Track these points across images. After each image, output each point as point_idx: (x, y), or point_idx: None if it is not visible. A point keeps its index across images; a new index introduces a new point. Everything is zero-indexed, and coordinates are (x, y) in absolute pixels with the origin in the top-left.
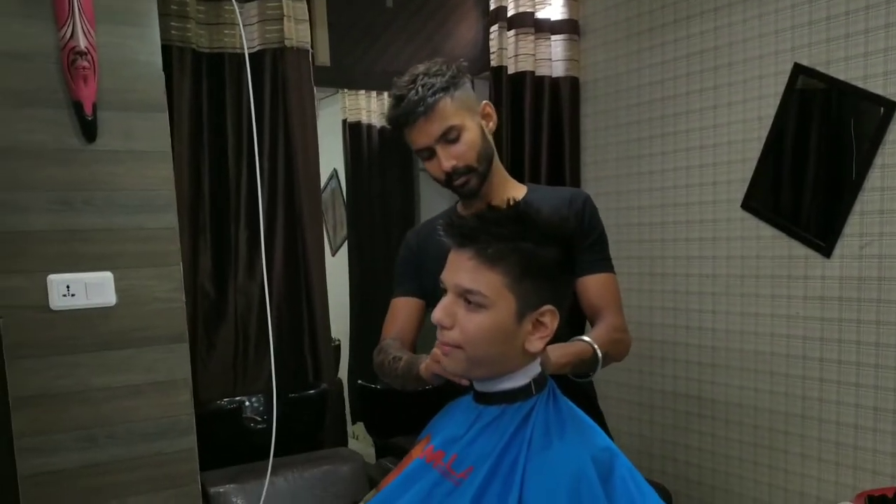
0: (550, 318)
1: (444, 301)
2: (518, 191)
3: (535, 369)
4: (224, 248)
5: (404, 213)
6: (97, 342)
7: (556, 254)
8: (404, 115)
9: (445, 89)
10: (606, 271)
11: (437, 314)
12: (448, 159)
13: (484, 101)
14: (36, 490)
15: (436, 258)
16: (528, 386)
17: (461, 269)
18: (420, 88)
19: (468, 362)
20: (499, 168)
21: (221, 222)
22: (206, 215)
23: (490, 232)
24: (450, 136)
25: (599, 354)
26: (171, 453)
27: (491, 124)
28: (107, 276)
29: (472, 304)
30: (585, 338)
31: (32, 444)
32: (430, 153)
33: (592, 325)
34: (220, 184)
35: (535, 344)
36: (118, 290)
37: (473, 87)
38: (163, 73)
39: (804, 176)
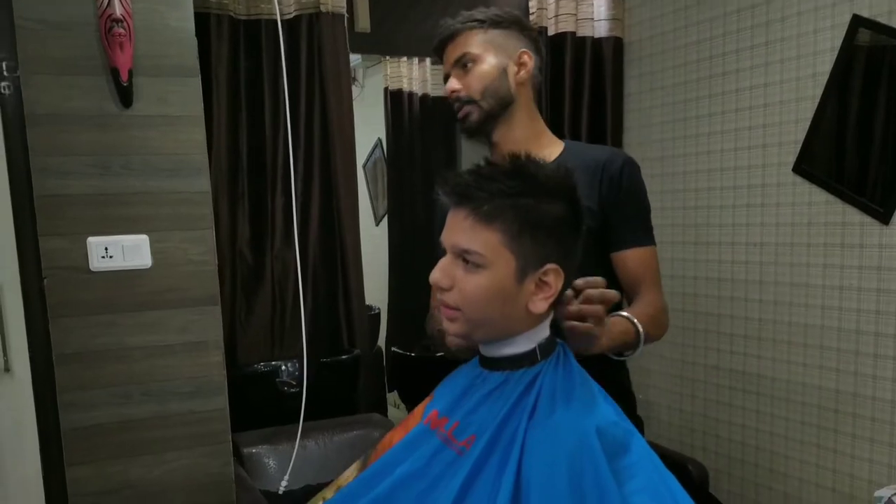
0: (554, 278)
1: (443, 261)
2: (552, 147)
3: (541, 333)
4: (261, 214)
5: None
6: (133, 302)
7: (558, 209)
8: (436, 38)
9: (481, 22)
10: (646, 244)
11: (435, 275)
12: (453, 84)
13: (522, 49)
14: (77, 443)
15: None
16: (532, 351)
17: (458, 229)
18: (458, 17)
19: (468, 324)
20: (528, 120)
21: (259, 189)
22: (245, 182)
23: (484, 188)
24: (464, 61)
25: (642, 334)
26: (203, 412)
27: (522, 72)
28: (143, 239)
29: (471, 265)
30: (625, 313)
31: (73, 399)
32: (446, 80)
33: (630, 302)
34: (257, 151)
35: (538, 305)
36: (153, 253)
37: (536, 49)
38: (195, 38)
39: (862, 137)
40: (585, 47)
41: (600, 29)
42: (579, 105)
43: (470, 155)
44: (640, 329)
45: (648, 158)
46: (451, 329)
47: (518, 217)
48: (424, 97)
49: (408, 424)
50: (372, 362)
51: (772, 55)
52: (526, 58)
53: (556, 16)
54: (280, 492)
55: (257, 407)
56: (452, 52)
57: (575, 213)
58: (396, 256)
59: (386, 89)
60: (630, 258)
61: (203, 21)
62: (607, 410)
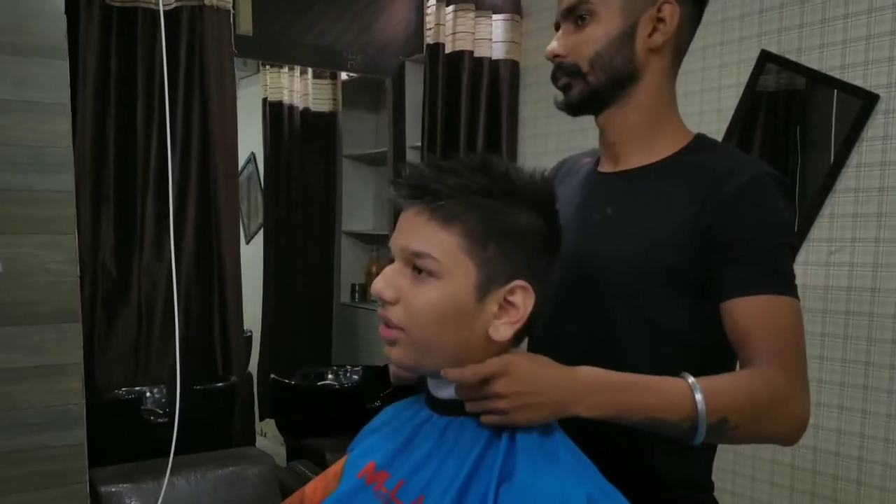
0: (522, 298)
1: (388, 269)
2: (672, 141)
3: None
4: (129, 220)
5: (325, 201)
6: None
7: (530, 220)
8: None
9: None
10: (769, 292)
11: (378, 284)
12: (556, 43)
13: (666, 2)
14: None
15: (561, 200)
16: None
17: (408, 228)
18: None
19: (413, 349)
20: (654, 101)
21: (127, 191)
22: (111, 182)
23: (444, 181)
24: (578, 12)
25: (701, 408)
26: (57, 447)
27: (657, 34)
28: None
29: (422, 273)
30: (688, 377)
31: None
32: (556, 27)
33: None
34: (127, 148)
35: (501, 330)
36: (3, 259)
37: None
38: (64, 15)
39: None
40: (483, 68)
41: (497, 51)
42: (475, 126)
43: (353, 176)
44: (700, 400)
45: None
46: (393, 355)
47: (483, 220)
48: (306, 111)
49: (328, 476)
50: (244, 391)
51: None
52: (668, 10)
53: (454, 33)
54: None
55: (118, 439)
56: None
57: (551, 228)
58: (272, 276)
59: (265, 100)
60: (740, 310)
61: (73, 2)
62: (599, 478)
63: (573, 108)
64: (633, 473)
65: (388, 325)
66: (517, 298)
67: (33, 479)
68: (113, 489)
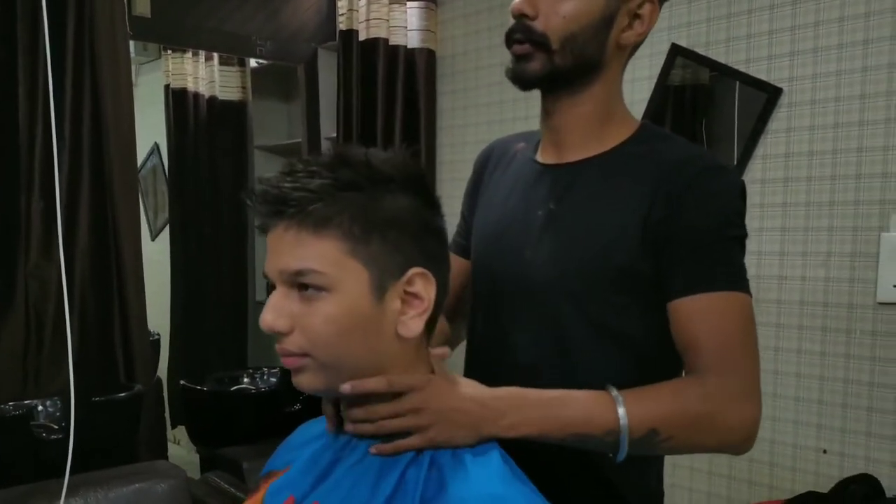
0: (423, 285)
1: (272, 299)
2: (623, 130)
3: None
4: (11, 219)
5: (236, 194)
6: None
7: (406, 202)
8: None
9: None
10: (715, 290)
11: (266, 318)
12: (522, 5)
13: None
14: None
15: (493, 191)
16: None
17: (282, 249)
18: None
19: (324, 373)
20: (606, 95)
21: (9, 188)
22: None
23: (305, 187)
24: None
25: (623, 422)
26: None
27: (630, 32)
28: None
29: (310, 291)
30: (612, 389)
31: None
32: None
33: None
34: (8, 141)
35: (410, 325)
36: None
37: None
38: None
39: None
40: (398, 56)
41: (413, 39)
42: (392, 117)
43: (265, 168)
44: (621, 409)
45: (460, 178)
46: (303, 383)
47: (359, 215)
48: (212, 99)
49: None
50: (153, 398)
51: None
52: (648, 8)
53: (368, 20)
54: None
55: (5, 460)
56: None
57: (429, 205)
58: (180, 275)
59: (167, 87)
60: (678, 314)
61: None
62: (522, 488)
63: (527, 82)
64: (585, 486)
65: (290, 355)
66: (418, 287)
67: None
68: None
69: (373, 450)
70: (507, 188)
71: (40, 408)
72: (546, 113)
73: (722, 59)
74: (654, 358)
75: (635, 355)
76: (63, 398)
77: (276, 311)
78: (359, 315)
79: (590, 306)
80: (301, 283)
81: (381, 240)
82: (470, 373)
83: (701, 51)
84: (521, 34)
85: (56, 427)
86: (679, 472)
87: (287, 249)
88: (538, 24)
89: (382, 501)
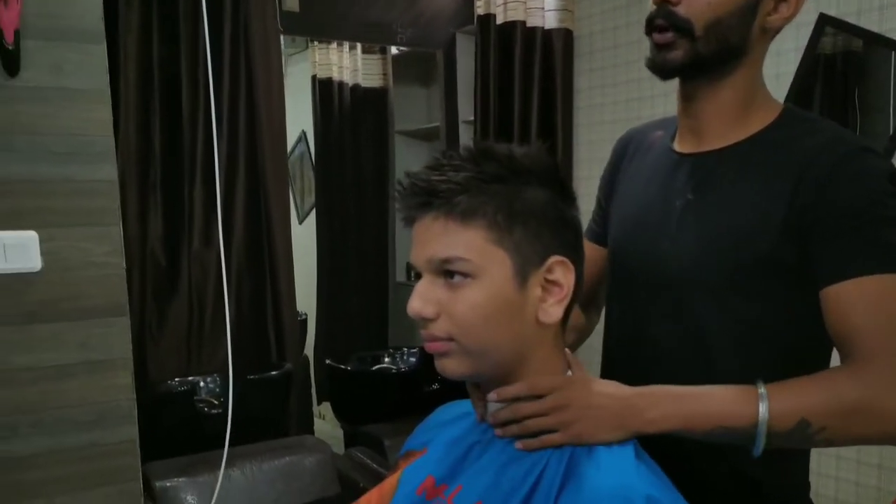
0: (563, 272)
1: (419, 286)
2: (764, 115)
3: (563, 366)
4: (177, 209)
5: (378, 178)
6: (19, 314)
7: (544, 195)
8: None
9: None
10: (871, 272)
11: (414, 304)
12: None
13: None
14: None
15: (631, 179)
16: None
17: (430, 238)
18: None
19: (468, 358)
20: (749, 81)
21: (174, 179)
22: (157, 170)
23: (452, 180)
24: None
25: (763, 414)
26: (107, 445)
27: (776, 16)
28: (30, 236)
29: (457, 278)
30: (760, 383)
31: None
32: None
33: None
34: (172, 135)
35: (550, 312)
36: (44, 253)
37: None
38: None
39: None
40: (535, 38)
41: (550, 20)
42: (529, 99)
43: (405, 151)
44: (763, 402)
45: (598, 159)
46: (448, 368)
47: (503, 206)
48: (356, 87)
49: (383, 489)
50: (300, 375)
51: None
52: None
53: (505, 3)
54: None
55: (172, 432)
56: None
57: (565, 197)
58: (326, 258)
59: (314, 77)
60: (833, 299)
61: None
62: (664, 482)
63: (669, 72)
64: (725, 479)
65: (436, 339)
66: (557, 275)
67: (84, 478)
68: (168, 484)
69: (519, 445)
70: (644, 177)
71: (202, 384)
72: (685, 100)
73: (875, 28)
74: (798, 349)
75: (777, 347)
76: (222, 375)
77: (423, 298)
78: (503, 301)
79: (729, 299)
80: (447, 271)
81: (523, 229)
82: (608, 363)
83: (852, 20)
84: (664, 19)
85: (216, 402)
86: (825, 461)
87: (435, 239)
88: (681, 10)
89: (526, 491)
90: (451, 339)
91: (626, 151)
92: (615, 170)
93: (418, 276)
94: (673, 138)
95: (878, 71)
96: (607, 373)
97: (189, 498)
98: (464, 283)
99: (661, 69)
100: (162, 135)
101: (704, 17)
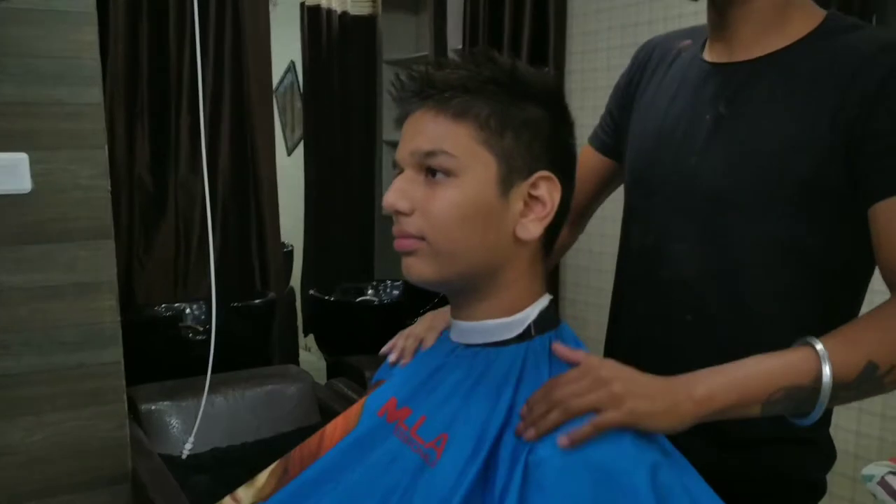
0: (548, 189)
1: (398, 180)
2: (804, 22)
3: (539, 295)
4: (164, 135)
5: (366, 109)
6: (9, 234)
7: (543, 112)
8: None
9: None
10: None
11: (390, 196)
12: None
13: None
14: None
15: (655, 91)
16: (525, 332)
17: (416, 131)
18: None
19: (436, 259)
20: None
21: (161, 105)
22: (145, 95)
23: (451, 77)
24: None
25: (827, 373)
26: (93, 366)
27: None
28: (20, 158)
29: (438, 175)
30: (814, 341)
31: None
32: None
33: None
34: (160, 61)
35: (529, 228)
36: (34, 175)
37: None
38: None
39: None
40: None
41: None
42: (520, 25)
43: (393, 79)
44: (826, 363)
45: (592, 88)
46: (413, 268)
47: (497, 110)
48: (344, 15)
49: (349, 415)
50: (286, 306)
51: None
52: None
53: None
54: (183, 456)
55: (157, 356)
56: None
57: (565, 122)
58: (313, 190)
59: (302, 5)
60: (884, 215)
61: None
62: (661, 441)
63: None
64: (744, 433)
65: (406, 235)
66: (542, 191)
67: (71, 398)
68: (153, 407)
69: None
70: (670, 89)
71: (187, 310)
72: (714, 5)
73: None
74: (835, 275)
75: (814, 270)
76: (207, 302)
77: (399, 192)
78: (482, 205)
79: (763, 220)
80: (429, 168)
81: (514, 137)
82: (622, 286)
83: None
84: None
85: (201, 329)
86: (845, 413)
87: (422, 132)
88: None
89: (498, 424)
90: (422, 237)
91: (649, 60)
92: (634, 80)
93: (399, 173)
94: (703, 48)
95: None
96: (621, 299)
97: (173, 421)
98: (444, 182)
99: None
100: (149, 60)
101: None
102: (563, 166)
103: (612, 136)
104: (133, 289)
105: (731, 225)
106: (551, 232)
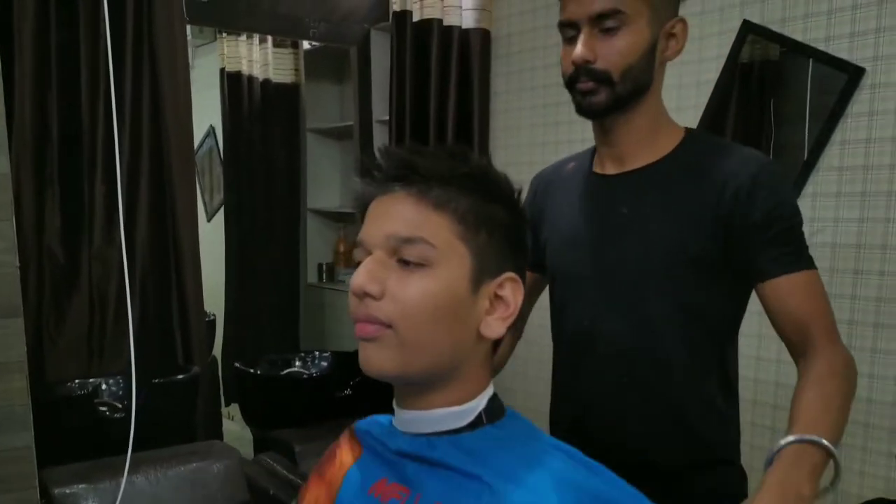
0: (512, 291)
1: (368, 261)
2: (670, 137)
3: (488, 391)
4: (76, 203)
5: (289, 176)
6: None
7: (510, 216)
8: None
9: None
10: (804, 268)
11: (359, 278)
12: (586, 49)
13: (678, 17)
14: None
15: (560, 207)
16: (478, 418)
17: (394, 215)
18: None
19: (400, 350)
20: (655, 106)
21: (73, 173)
22: (55, 163)
23: (434, 165)
24: (607, 24)
25: (837, 458)
26: (2, 451)
27: (670, 51)
28: None
29: (412, 265)
30: (815, 438)
31: None
32: (573, 32)
33: (794, 353)
34: (71, 127)
35: (494, 327)
36: None
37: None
38: None
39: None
40: (452, 37)
41: (468, 19)
42: (445, 100)
43: (318, 151)
44: (835, 450)
45: (515, 163)
46: (374, 359)
47: (475, 207)
48: (266, 82)
49: (324, 480)
50: (208, 378)
51: None
52: (680, 29)
53: (422, 0)
54: None
55: (72, 436)
56: (590, 1)
57: (524, 225)
58: (235, 257)
59: (222, 70)
60: (783, 289)
61: None
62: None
63: (597, 113)
64: (667, 436)
65: (371, 321)
66: (507, 292)
67: None
68: (67, 491)
69: None
70: (573, 200)
71: (104, 386)
72: (604, 132)
73: (799, 37)
74: (723, 323)
75: (710, 327)
76: (125, 378)
77: (370, 274)
78: (454, 298)
79: (672, 291)
80: (403, 259)
81: (488, 236)
82: (564, 357)
83: (776, 28)
84: (586, 76)
85: (119, 406)
86: (757, 455)
87: (401, 216)
88: (599, 65)
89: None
90: (389, 325)
91: (541, 189)
92: (537, 204)
93: (366, 254)
94: (591, 165)
95: (796, 80)
96: (563, 364)
97: None
98: (419, 271)
99: (589, 112)
100: (60, 125)
101: (619, 66)
102: (522, 269)
103: (534, 254)
104: (43, 366)
105: (648, 300)
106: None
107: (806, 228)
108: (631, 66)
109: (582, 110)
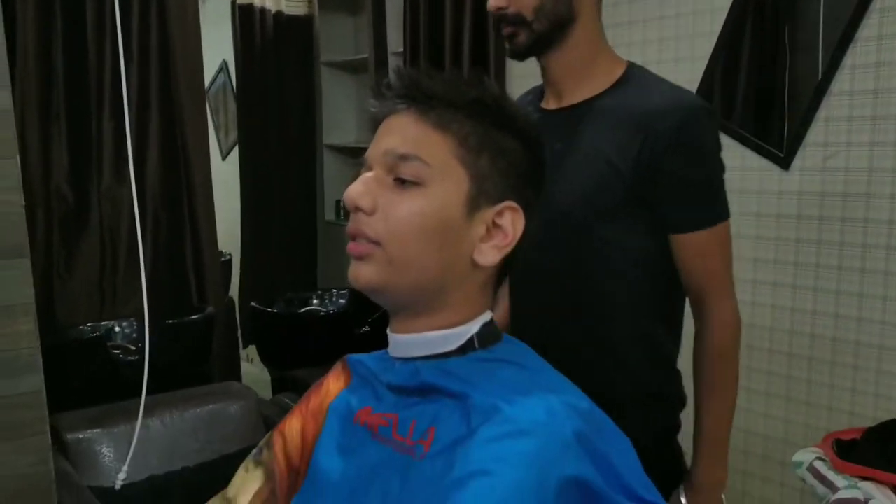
0: (512, 220)
1: (365, 176)
2: (610, 73)
3: (482, 313)
4: (84, 141)
5: (304, 111)
6: None
7: (521, 147)
8: None
9: None
10: (708, 225)
11: (353, 191)
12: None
13: None
14: None
15: None
16: (469, 343)
17: (394, 131)
18: None
19: (388, 268)
20: (588, 41)
21: (80, 110)
22: (61, 99)
23: (441, 90)
24: None
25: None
26: (9, 397)
27: None
28: None
29: (407, 183)
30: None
31: None
32: None
33: (692, 307)
34: (77, 61)
35: (488, 254)
36: None
37: None
38: None
39: (762, 76)
40: None
41: None
42: (461, 29)
43: (333, 85)
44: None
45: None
46: (361, 274)
47: (478, 130)
48: (279, 14)
49: (307, 413)
50: (225, 319)
51: (666, 9)
52: None
53: None
54: (117, 486)
55: (84, 380)
56: None
57: (541, 164)
58: (250, 196)
59: (234, 3)
60: (681, 246)
61: None
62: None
63: (520, 54)
64: (618, 387)
65: (362, 235)
66: (506, 221)
67: None
68: (81, 436)
69: None
70: None
71: (117, 329)
72: (542, 69)
73: None
74: (653, 266)
75: (640, 264)
76: (138, 320)
77: (364, 189)
78: (446, 220)
79: (600, 229)
80: (400, 173)
81: (490, 160)
82: (511, 305)
83: None
84: (503, 22)
85: (133, 348)
86: (754, 398)
87: (400, 133)
88: (511, 9)
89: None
90: (377, 242)
91: None
92: None
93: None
94: (540, 99)
95: (809, 7)
96: (512, 301)
97: (104, 450)
98: (412, 190)
99: (514, 54)
100: (66, 60)
101: (529, 5)
102: (530, 203)
103: None
104: (54, 308)
105: (581, 237)
106: (507, 264)
107: (819, 153)
108: (542, 4)
109: (510, 53)
